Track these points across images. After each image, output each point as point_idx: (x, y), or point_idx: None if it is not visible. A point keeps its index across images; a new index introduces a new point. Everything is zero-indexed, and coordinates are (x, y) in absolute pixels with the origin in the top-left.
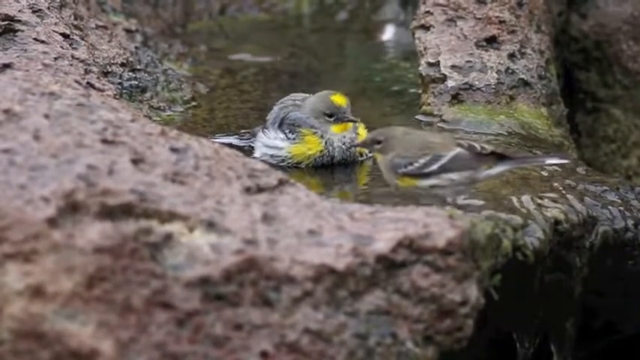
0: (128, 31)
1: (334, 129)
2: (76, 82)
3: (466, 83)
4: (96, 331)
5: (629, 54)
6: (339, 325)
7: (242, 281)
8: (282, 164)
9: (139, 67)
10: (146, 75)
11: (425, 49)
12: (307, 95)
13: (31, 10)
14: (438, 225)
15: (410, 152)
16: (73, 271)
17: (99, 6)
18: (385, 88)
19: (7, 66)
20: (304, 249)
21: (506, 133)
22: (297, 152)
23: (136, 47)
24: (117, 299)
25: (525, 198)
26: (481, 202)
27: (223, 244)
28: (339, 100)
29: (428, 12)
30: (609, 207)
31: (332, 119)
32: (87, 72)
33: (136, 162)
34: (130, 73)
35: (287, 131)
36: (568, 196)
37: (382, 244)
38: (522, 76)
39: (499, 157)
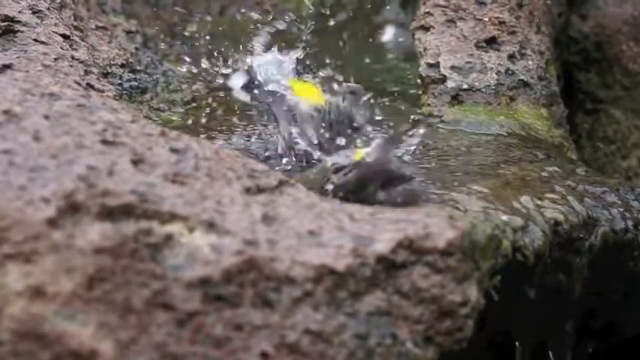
0: (128, 32)
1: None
2: (76, 83)
3: (466, 84)
4: (96, 332)
5: (630, 55)
6: (339, 326)
7: (242, 282)
8: None
9: (138, 68)
10: (146, 76)
11: (425, 49)
12: None
13: (31, 11)
14: (438, 226)
15: None
16: (73, 272)
17: (99, 7)
18: (385, 89)
19: (7, 67)
20: (304, 250)
21: (506, 134)
22: None
23: (136, 48)
24: (117, 300)
25: (525, 199)
26: (481, 203)
27: (223, 244)
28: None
29: (428, 13)
30: (609, 208)
31: None
32: (87, 73)
33: (136, 163)
34: (130, 74)
35: None
36: (568, 197)
37: (382, 244)
38: (522, 77)
39: None
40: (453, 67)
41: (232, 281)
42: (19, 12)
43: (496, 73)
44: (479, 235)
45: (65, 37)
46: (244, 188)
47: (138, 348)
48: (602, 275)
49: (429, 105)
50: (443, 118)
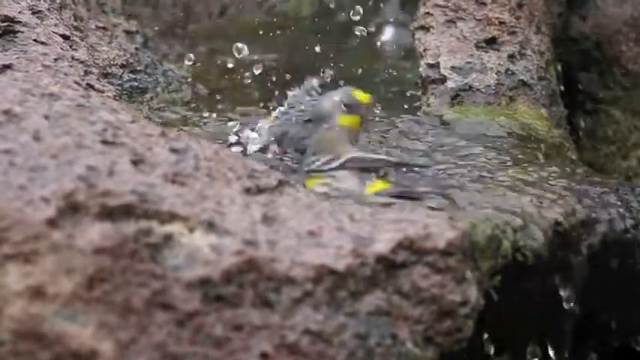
0: (128, 32)
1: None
2: (76, 83)
3: (466, 84)
4: (96, 332)
5: (629, 55)
6: (339, 326)
7: (242, 282)
8: None
9: (139, 68)
10: (146, 76)
11: (425, 50)
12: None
13: (31, 12)
14: (438, 226)
15: None
16: (73, 272)
17: (99, 7)
18: (385, 89)
19: (7, 67)
20: (304, 250)
21: (506, 134)
22: None
23: (136, 48)
24: (117, 300)
25: (525, 199)
26: (481, 203)
27: (223, 244)
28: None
29: (428, 13)
30: (609, 208)
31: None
32: (87, 73)
33: (136, 163)
34: (130, 75)
35: None
36: (568, 197)
37: (382, 244)
38: (522, 77)
39: None
40: (453, 68)
41: (232, 281)
42: (19, 12)
43: (496, 74)
44: (479, 236)
45: (65, 37)
46: (244, 188)
47: (138, 348)
48: (601, 275)
49: (429, 105)
50: (443, 118)
